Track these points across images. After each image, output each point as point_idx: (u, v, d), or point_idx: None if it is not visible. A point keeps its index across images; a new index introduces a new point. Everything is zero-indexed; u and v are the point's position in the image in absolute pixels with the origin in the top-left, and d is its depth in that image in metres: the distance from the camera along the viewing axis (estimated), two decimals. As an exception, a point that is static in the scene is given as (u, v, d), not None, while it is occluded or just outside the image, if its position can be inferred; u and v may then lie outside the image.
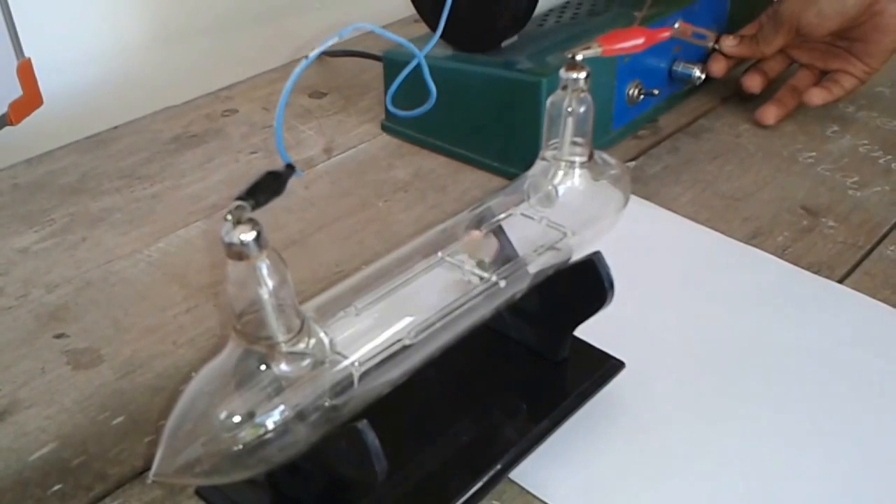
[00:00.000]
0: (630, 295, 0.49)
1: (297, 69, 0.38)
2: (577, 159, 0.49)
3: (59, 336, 0.57)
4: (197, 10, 0.95)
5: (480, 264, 0.45)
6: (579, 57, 0.47)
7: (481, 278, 0.44)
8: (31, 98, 0.65)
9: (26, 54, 0.64)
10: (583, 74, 0.47)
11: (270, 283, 0.35)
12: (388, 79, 0.78)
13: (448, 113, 0.62)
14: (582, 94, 0.47)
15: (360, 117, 0.83)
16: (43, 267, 0.63)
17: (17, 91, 0.63)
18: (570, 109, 0.47)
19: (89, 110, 0.86)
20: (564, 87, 0.47)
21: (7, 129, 0.63)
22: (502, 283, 0.44)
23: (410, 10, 0.77)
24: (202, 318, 0.58)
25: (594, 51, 0.47)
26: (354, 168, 0.75)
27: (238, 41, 0.98)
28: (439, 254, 0.44)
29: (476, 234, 0.46)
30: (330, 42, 0.39)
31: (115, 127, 0.81)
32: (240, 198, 0.33)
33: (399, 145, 0.79)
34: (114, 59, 0.89)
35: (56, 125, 0.77)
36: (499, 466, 0.45)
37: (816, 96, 0.79)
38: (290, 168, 0.36)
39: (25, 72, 0.64)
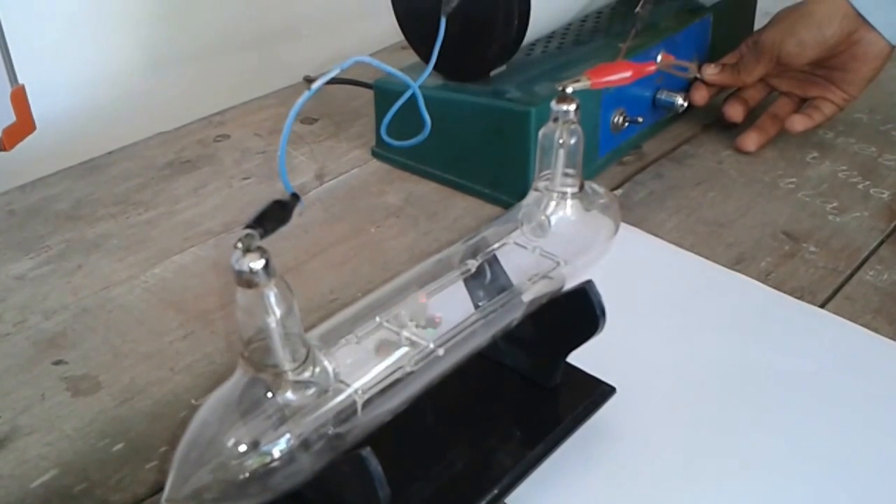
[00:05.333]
0: (618, 320, 0.50)
1: (298, 102, 0.39)
2: (569, 190, 0.50)
3: (57, 363, 0.58)
4: (188, 36, 0.96)
5: (425, 324, 0.44)
6: (569, 89, 0.48)
7: (418, 345, 0.42)
8: (23, 124, 0.66)
9: (19, 80, 0.65)
10: (573, 106, 0.48)
11: (278, 312, 0.36)
12: (379, 106, 0.79)
13: (438, 140, 0.64)
14: (572, 126, 0.48)
15: (350, 143, 0.84)
16: (40, 294, 0.64)
17: (10, 117, 0.64)
18: (561, 141, 0.48)
19: (81, 136, 0.86)
20: (555, 120, 0.48)
21: (0, 154, 0.63)
22: (440, 352, 0.42)
23: (397, 38, 0.79)
24: (199, 345, 0.59)
25: (583, 84, 0.48)
26: (346, 194, 0.77)
27: (229, 67, 0.99)
28: (377, 318, 0.43)
29: (421, 294, 0.45)
30: (331, 74, 0.40)
31: (110, 152, 0.82)
32: (248, 226, 0.35)
33: (389, 171, 0.80)
34: (105, 85, 0.90)
35: (48, 151, 0.78)
36: (495, 491, 0.46)
37: (799, 123, 0.81)
38: (296, 197, 0.37)
39: (19, 98, 0.65)
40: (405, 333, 0.42)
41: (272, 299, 0.36)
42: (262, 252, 0.35)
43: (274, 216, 0.36)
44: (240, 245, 0.34)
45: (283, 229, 0.73)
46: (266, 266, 0.35)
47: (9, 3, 0.73)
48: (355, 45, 1.00)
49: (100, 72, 0.90)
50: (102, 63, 0.90)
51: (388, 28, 0.80)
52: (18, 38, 0.64)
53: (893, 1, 0.76)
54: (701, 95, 0.83)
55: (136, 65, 0.93)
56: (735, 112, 0.83)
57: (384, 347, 0.42)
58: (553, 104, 0.48)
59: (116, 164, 0.81)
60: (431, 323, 0.44)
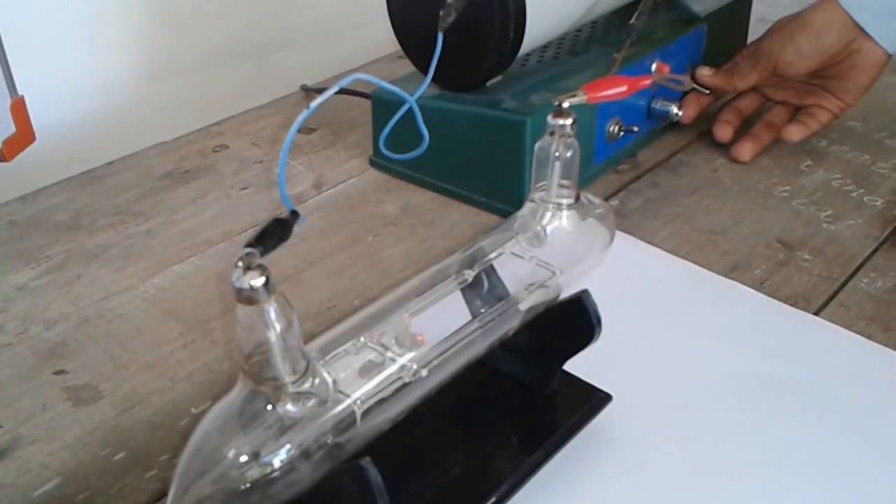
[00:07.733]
0: (614, 328, 0.51)
1: (297, 120, 0.40)
2: (565, 201, 0.51)
3: (58, 372, 0.58)
4: (186, 46, 0.96)
5: (409, 347, 0.43)
6: (566, 104, 0.49)
7: (402, 366, 0.42)
8: (23, 135, 0.66)
9: (19, 91, 0.65)
10: (569, 121, 0.49)
11: (278, 327, 0.36)
12: (377, 117, 0.79)
13: (435, 150, 0.64)
14: (568, 140, 0.49)
15: (348, 152, 0.85)
16: (41, 304, 0.64)
17: (10, 128, 0.65)
18: (557, 154, 0.49)
19: (81, 146, 0.87)
20: (552, 133, 0.49)
21: (0, 165, 0.64)
22: (424, 373, 0.43)
23: (394, 47, 0.79)
24: (199, 354, 0.60)
25: (580, 98, 0.49)
26: (344, 203, 0.77)
27: (227, 77, 0.99)
28: (362, 338, 0.43)
29: (406, 316, 0.45)
30: (331, 91, 0.41)
31: (109, 163, 0.83)
32: (249, 244, 0.35)
33: (387, 180, 0.80)
34: (104, 96, 0.91)
35: (48, 161, 0.78)
36: (493, 498, 0.46)
37: (794, 132, 0.81)
38: (295, 214, 0.38)
39: (19, 109, 0.66)
40: (389, 354, 0.43)
41: (272, 315, 0.36)
42: (263, 270, 0.35)
43: (274, 234, 0.36)
44: (240, 263, 0.35)
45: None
46: (266, 283, 0.35)
47: (8, 14, 0.74)
48: (352, 55, 1.01)
49: (99, 82, 0.91)
50: (101, 74, 0.91)
51: (384, 37, 0.81)
52: (18, 50, 0.64)
53: (890, 11, 0.76)
54: (689, 113, 0.84)
55: (134, 75, 0.93)
56: (724, 133, 0.83)
57: (370, 368, 0.42)
58: (550, 118, 0.49)
59: (116, 174, 0.81)
60: (414, 344, 0.44)
